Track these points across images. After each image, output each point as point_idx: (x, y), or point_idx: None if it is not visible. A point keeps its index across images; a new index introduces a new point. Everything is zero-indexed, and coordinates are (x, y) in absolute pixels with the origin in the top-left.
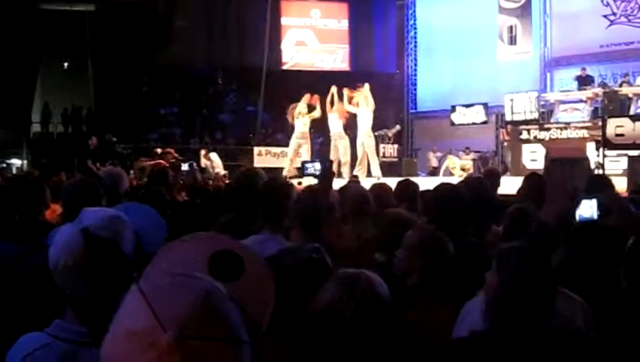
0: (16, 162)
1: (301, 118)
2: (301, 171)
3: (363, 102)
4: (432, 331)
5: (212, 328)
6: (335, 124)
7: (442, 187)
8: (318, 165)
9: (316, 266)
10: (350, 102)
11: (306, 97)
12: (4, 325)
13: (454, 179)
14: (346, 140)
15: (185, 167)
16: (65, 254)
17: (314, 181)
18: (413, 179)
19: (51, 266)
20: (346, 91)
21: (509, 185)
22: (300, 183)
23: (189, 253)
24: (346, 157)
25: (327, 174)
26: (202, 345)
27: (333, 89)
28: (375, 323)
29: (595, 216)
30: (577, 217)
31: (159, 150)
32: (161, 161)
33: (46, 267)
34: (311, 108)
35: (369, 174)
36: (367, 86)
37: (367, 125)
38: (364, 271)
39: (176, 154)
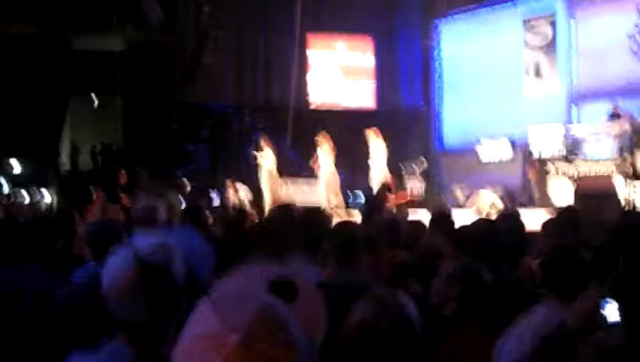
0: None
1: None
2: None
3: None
4: (470, 360)
5: (274, 333)
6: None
7: (480, 224)
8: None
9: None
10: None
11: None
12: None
13: (483, 215)
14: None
15: (216, 201)
16: (118, 280)
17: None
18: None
19: (104, 291)
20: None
21: (536, 220)
22: None
23: (250, 278)
24: (338, 198)
25: (375, 203)
26: (266, 348)
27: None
28: (405, 343)
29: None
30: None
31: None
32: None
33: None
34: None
35: None
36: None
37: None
38: (397, 292)
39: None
